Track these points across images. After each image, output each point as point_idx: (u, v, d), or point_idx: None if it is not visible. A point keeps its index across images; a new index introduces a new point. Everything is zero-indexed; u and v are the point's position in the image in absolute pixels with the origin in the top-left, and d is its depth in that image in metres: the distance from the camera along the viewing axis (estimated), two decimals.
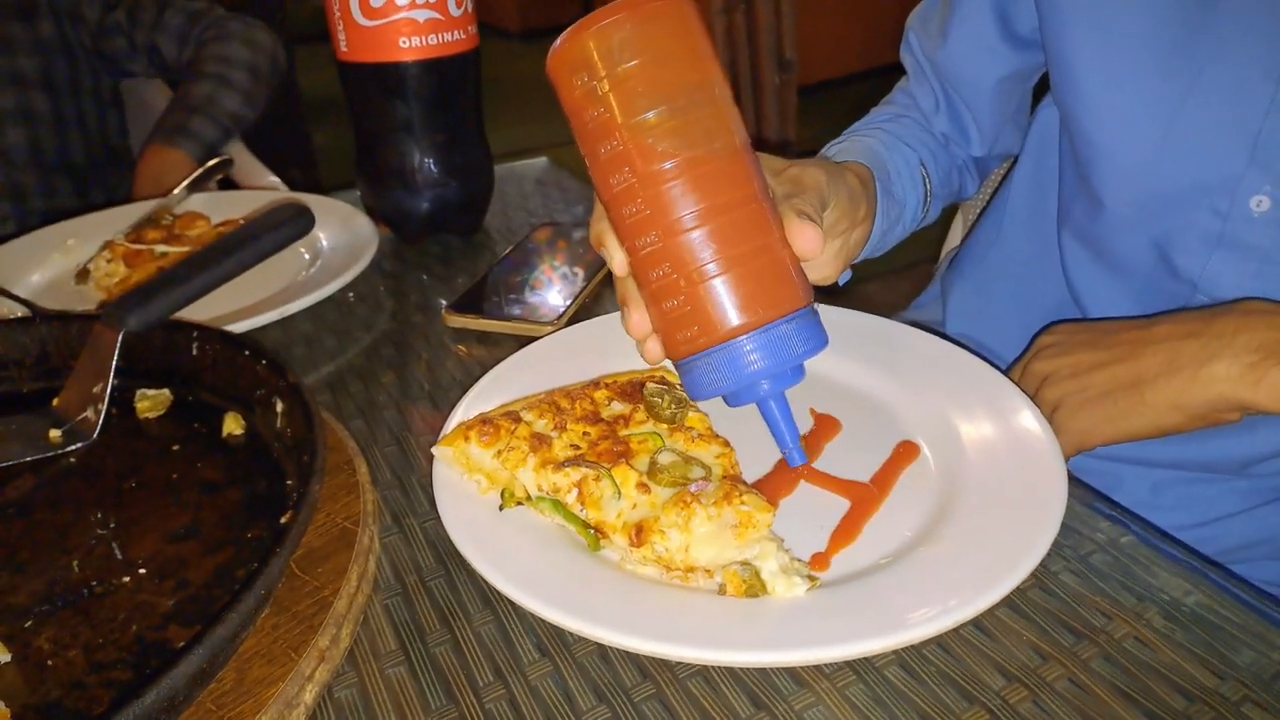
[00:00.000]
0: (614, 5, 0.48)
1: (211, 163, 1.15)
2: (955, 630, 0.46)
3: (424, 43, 0.86)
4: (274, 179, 1.45)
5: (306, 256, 0.93)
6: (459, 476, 0.55)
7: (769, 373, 0.50)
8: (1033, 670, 0.44)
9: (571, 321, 0.77)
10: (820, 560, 0.50)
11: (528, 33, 5.86)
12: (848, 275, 0.76)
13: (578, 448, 0.54)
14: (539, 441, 0.53)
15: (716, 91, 0.50)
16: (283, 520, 0.49)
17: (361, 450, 0.62)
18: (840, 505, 0.54)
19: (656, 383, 0.58)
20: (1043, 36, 0.77)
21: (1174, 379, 0.61)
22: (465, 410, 0.60)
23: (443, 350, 0.77)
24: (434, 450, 0.56)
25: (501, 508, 0.53)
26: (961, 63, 0.85)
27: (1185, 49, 0.66)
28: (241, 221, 0.94)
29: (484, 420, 0.55)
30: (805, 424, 0.61)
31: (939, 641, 0.46)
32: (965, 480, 0.54)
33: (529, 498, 0.53)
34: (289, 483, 0.57)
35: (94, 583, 0.50)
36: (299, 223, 0.79)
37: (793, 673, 0.45)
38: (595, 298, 0.84)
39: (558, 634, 0.48)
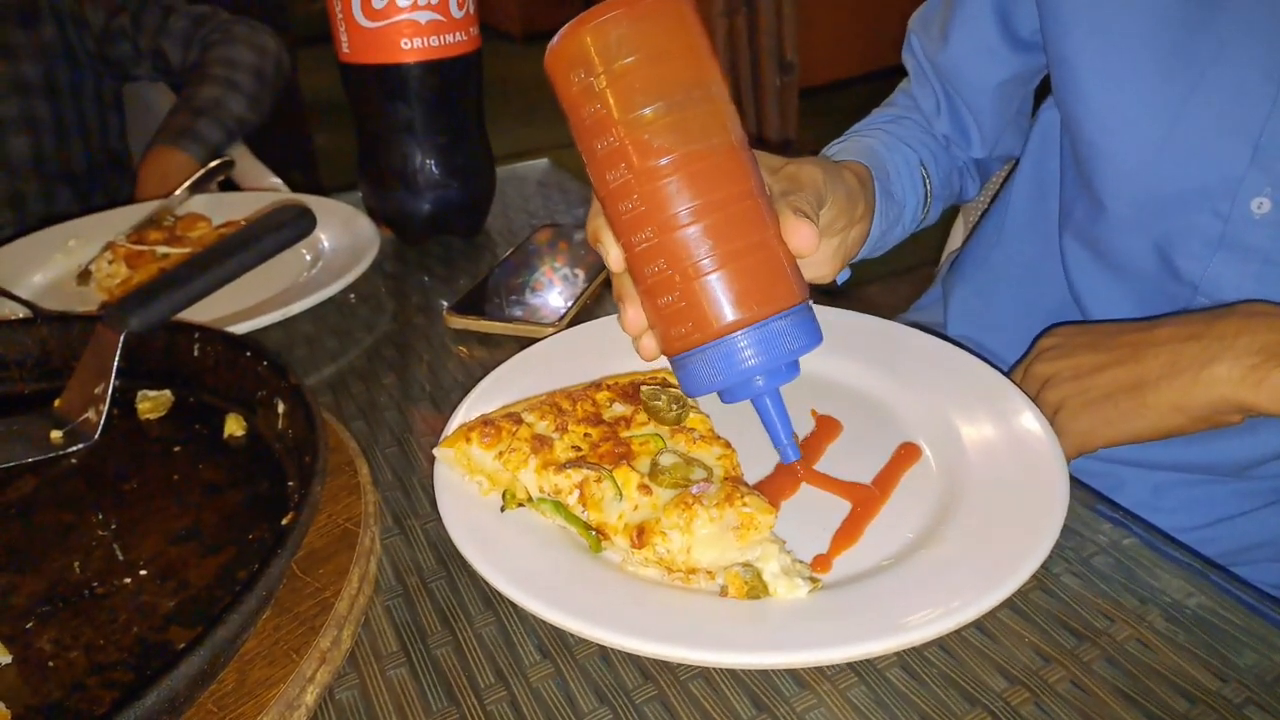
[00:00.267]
0: (612, 2, 0.48)
1: (213, 164, 1.15)
2: (957, 632, 0.46)
3: (426, 44, 0.86)
4: (275, 180, 1.45)
5: (308, 258, 0.93)
6: (460, 478, 0.55)
7: (763, 369, 0.51)
8: (1035, 672, 0.44)
9: (573, 323, 0.77)
10: (822, 562, 0.50)
11: (530, 35, 5.87)
12: (846, 274, 0.76)
13: (579, 449, 0.54)
14: (540, 443, 0.53)
15: (713, 88, 0.50)
16: (284, 521, 0.49)
17: (363, 451, 0.62)
18: (842, 507, 0.54)
19: (655, 384, 0.58)
20: (1044, 38, 0.77)
21: (1175, 381, 0.61)
22: (466, 411, 0.60)
23: (444, 351, 0.77)
24: (435, 451, 0.56)
25: (503, 509, 0.53)
26: (963, 65, 0.85)
27: (1186, 50, 0.66)
28: (243, 223, 0.94)
29: (485, 421, 0.55)
30: (807, 425, 0.61)
31: (941, 643, 0.46)
32: (967, 482, 0.54)
33: (530, 499, 0.53)
34: (290, 484, 0.57)
35: (95, 584, 0.50)
36: (300, 224, 0.79)
37: (794, 674, 0.45)
38: (597, 299, 0.84)
39: (559, 635, 0.48)
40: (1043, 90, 0.88)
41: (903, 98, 0.93)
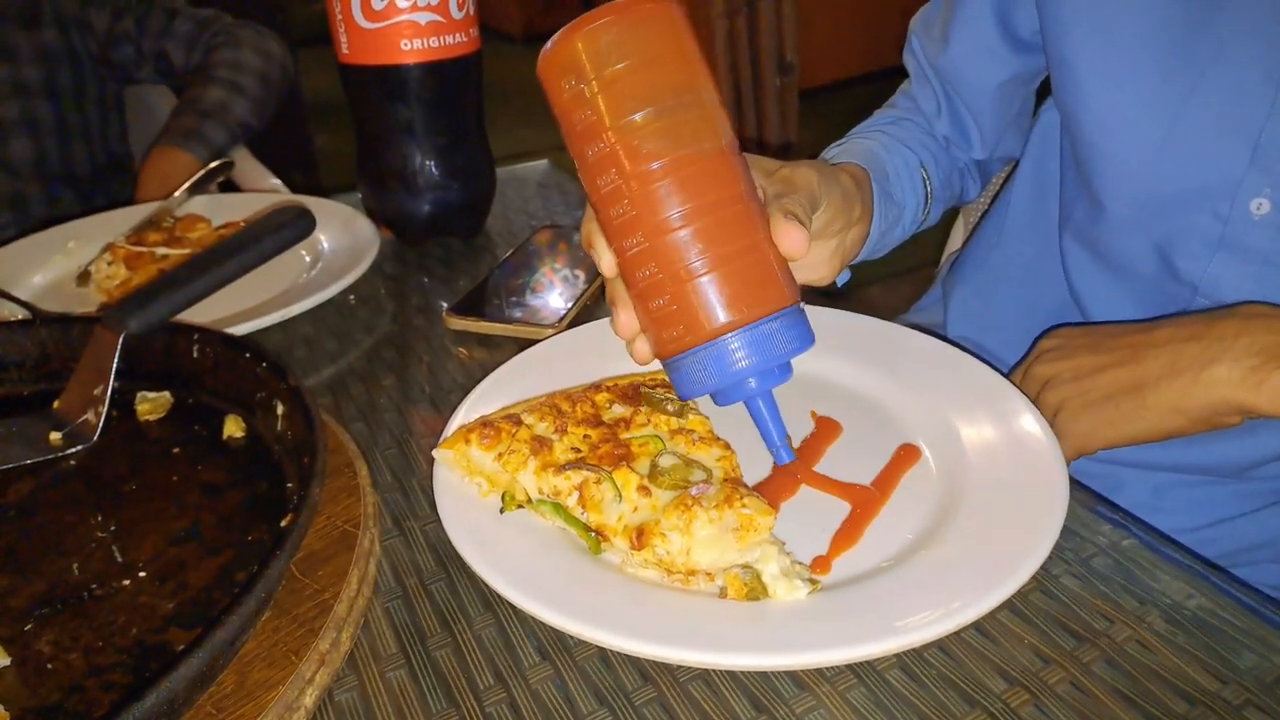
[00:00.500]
0: (602, 9, 0.49)
1: (213, 165, 1.15)
2: (956, 633, 0.46)
3: (425, 45, 0.86)
4: (275, 181, 1.45)
5: (307, 259, 0.93)
6: (460, 479, 0.55)
7: (754, 370, 0.51)
8: (1034, 673, 0.44)
9: (572, 324, 0.77)
10: (821, 563, 0.50)
11: (530, 36, 5.87)
12: (846, 276, 0.76)
13: (579, 451, 0.54)
14: (540, 444, 0.53)
15: (703, 94, 0.51)
16: (283, 523, 0.49)
17: (362, 453, 0.62)
18: (841, 508, 0.54)
19: (656, 384, 0.58)
20: (1044, 39, 0.77)
21: (1175, 382, 0.61)
22: (466, 413, 0.60)
23: (444, 353, 0.77)
24: (435, 453, 0.56)
25: (502, 511, 0.53)
26: (963, 66, 0.85)
27: (1186, 51, 0.66)
28: (242, 224, 0.93)
29: (485, 423, 0.55)
30: (806, 427, 0.61)
31: (940, 645, 0.46)
32: (966, 483, 0.54)
33: (530, 501, 0.53)
34: (289, 485, 0.57)
35: (94, 585, 0.50)
36: (300, 225, 0.79)
37: (794, 676, 0.45)
38: (596, 300, 0.84)
39: (559, 637, 0.48)
40: (1044, 91, 0.88)
41: (903, 99, 0.93)
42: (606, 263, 0.54)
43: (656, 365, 0.56)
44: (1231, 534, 0.78)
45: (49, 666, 0.45)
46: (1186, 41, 0.66)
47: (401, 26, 0.84)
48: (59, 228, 0.99)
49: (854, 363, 0.66)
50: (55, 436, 0.63)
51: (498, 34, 6.07)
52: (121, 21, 1.42)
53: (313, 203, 0.98)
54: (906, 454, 0.58)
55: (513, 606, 0.48)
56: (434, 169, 0.93)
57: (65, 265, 0.94)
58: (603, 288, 0.85)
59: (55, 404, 0.65)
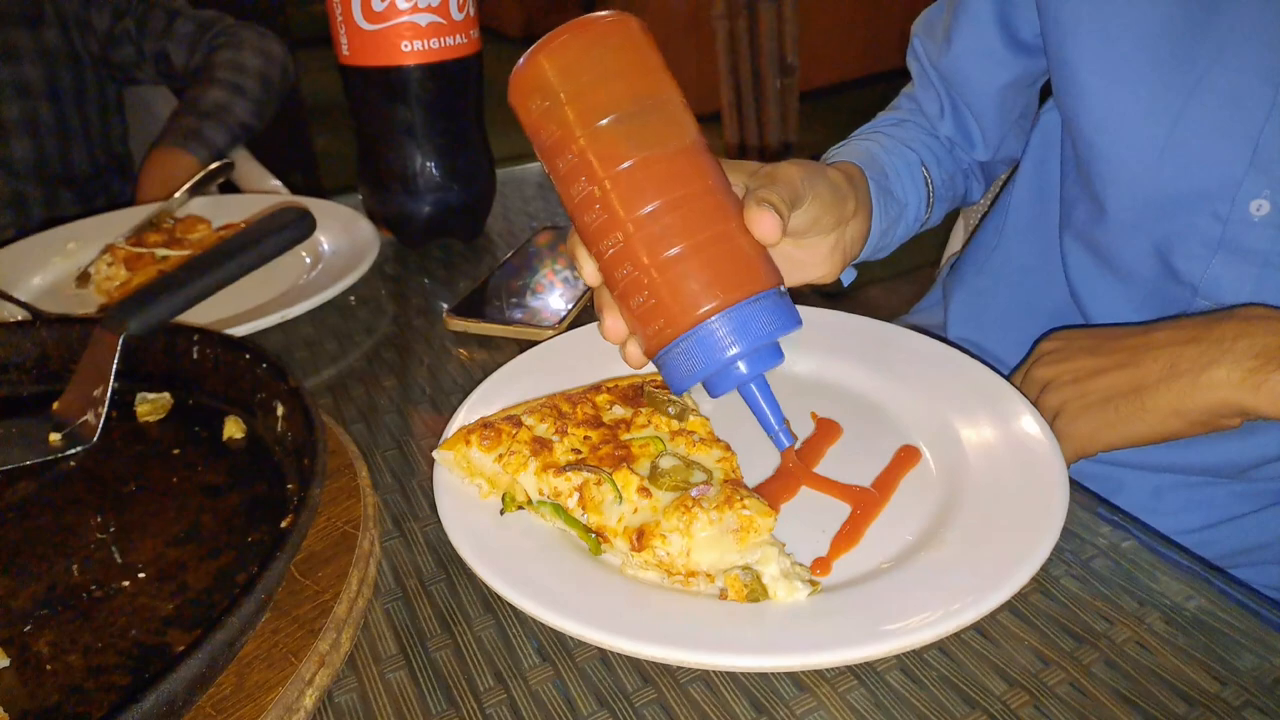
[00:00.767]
0: (561, 28, 0.52)
1: (213, 166, 1.15)
2: (957, 635, 0.46)
3: (426, 46, 0.86)
4: (275, 183, 1.45)
5: (308, 260, 0.93)
6: (460, 480, 0.55)
7: (740, 354, 0.52)
8: (1034, 675, 0.44)
9: (573, 325, 0.77)
10: (822, 565, 0.50)
11: (530, 37, 5.87)
12: (851, 275, 0.76)
13: (579, 452, 0.54)
14: (540, 445, 0.53)
15: (665, 99, 0.53)
16: (283, 524, 0.50)
17: (362, 454, 0.62)
18: (841, 510, 0.54)
19: (656, 385, 0.59)
20: (1044, 41, 0.77)
21: (1174, 384, 0.61)
22: (466, 414, 0.60)
23: (444, 354, 0.77)
24: (435, 454, 0.56)
25: (502, 512, 0.53)
26: (965, 68, 0.85)
27: (1186, 53, 0.67)
28: (243, 225, 0.94)
29: (485, 424, 0.55)
30: (806, 428, 0.61)
31: (940, 646, 0.46)
32: (966, 485, 0.54)
33: (530, 502, 0.53)
34: (289, 486, 0.57)
35: (94, 587, 0.50)
36: (300, 226, 0.79)
37: (794, 677, 0.45)
38: None
39: (559, 639, 0.48)
40: (1046, 92, 0.88)
41: (906, 101, 0.93)
42: (589, 271, 0.56)
43: (652, 368, 0.56)
44: (1231, 535, 0.78)
45: (48, 668, 0.45)
46: (1186, 44, 0.66)
47: (402, 28, 0.84)
48: (58, 229, 0.99)
49: (854, 364, 0.66)
50: (55, 438, 0.63)
51: (498, 35, 6.08)
52: (122, 22, 1.42)
53: (313, 204, 0.97)
54: (907, 455, 0.58)
55: (513, 608, 0.48)
56: (434, 170, 0.93)
57: (65, 266, 0.94)
58: None
59: (55, 405, 0.65)
